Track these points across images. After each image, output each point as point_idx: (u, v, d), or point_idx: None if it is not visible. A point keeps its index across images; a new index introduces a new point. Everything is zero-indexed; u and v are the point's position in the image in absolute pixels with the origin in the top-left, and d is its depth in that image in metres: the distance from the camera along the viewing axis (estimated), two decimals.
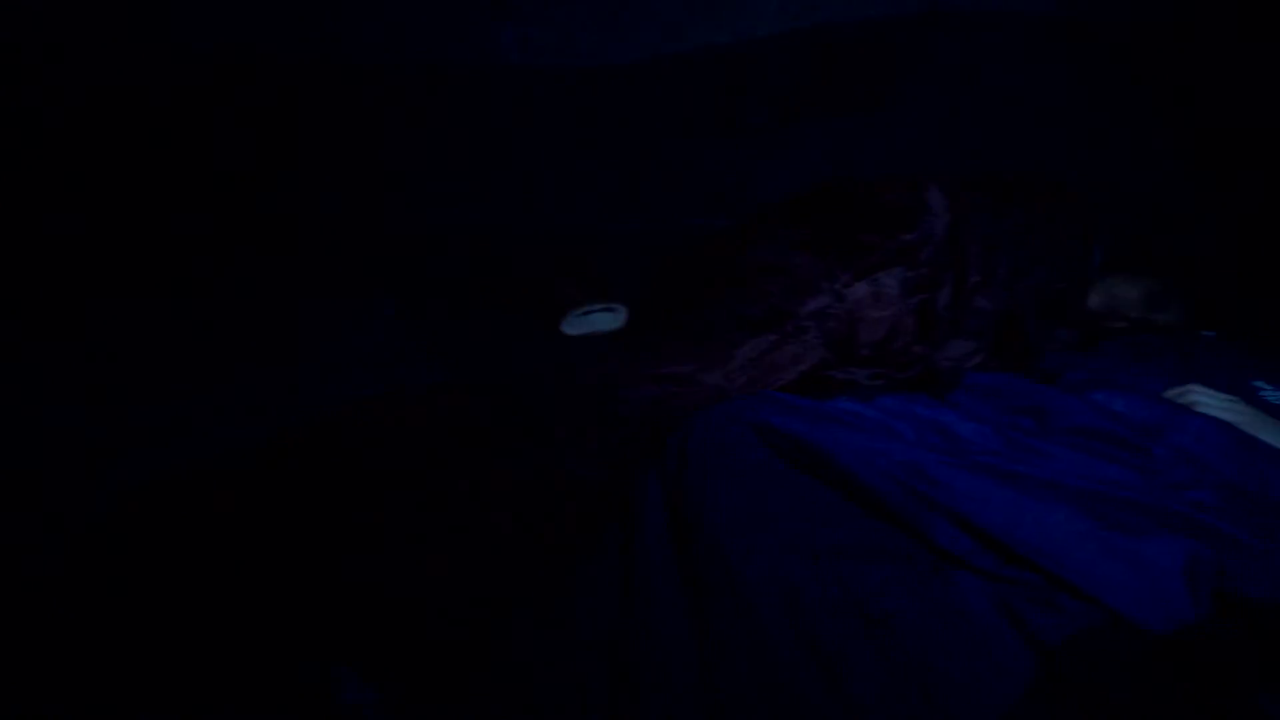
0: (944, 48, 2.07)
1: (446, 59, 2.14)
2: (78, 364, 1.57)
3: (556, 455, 1.27)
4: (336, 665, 0.98)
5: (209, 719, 0.95)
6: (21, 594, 1.05)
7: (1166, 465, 1.02)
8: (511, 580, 1.07)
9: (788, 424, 1.05)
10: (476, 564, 1.09)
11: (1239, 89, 1.77)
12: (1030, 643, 0.81)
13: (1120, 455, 1.04)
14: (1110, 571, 0.85)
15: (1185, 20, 1.83)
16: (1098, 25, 1.92)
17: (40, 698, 0.94)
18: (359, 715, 0.94)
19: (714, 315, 1.60)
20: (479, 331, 1.83)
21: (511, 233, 2.18)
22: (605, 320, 1.85)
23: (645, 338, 1.72)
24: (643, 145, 2.26)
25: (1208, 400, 1.13)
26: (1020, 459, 1.04)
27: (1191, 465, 1.02)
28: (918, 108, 2.05)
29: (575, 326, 1.87)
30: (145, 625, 1.01)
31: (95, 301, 1.73)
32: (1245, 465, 1.02)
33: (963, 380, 1.26)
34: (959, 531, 0.90)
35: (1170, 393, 1.16)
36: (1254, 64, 1.74)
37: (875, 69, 2.08)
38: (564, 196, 2.24)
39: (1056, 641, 0.81)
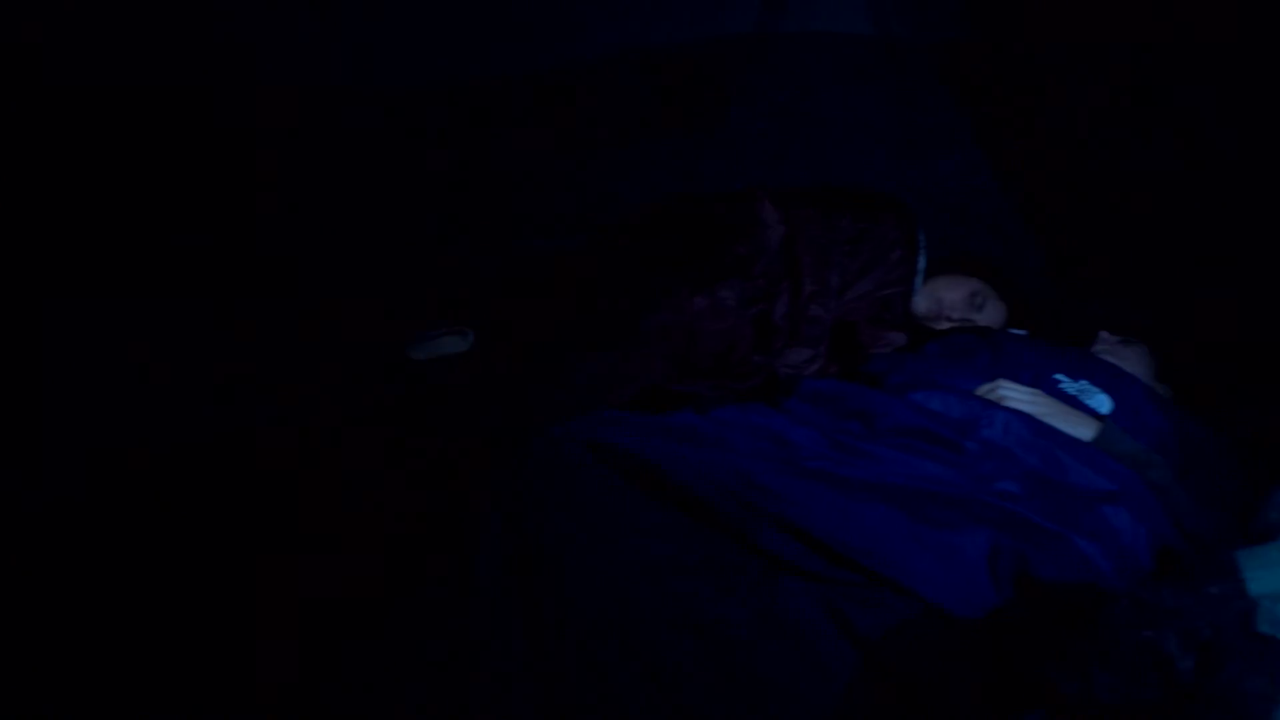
0: (775, 68, 2.14)
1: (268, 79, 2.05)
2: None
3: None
4: None
5: None
6: None
7: (977, 459, 1.08)
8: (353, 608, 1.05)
9: (623, 440, 1.06)
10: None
11: (1033, 105, 1.92)
12: (853, 640, 0.84)
13: (936, 452, 1.10)
14: (924, 565, 0.89)
15: (987, 40, 1.96)
16: (911, 46, 2.03)
17: None
18: None
19: (563, 335, 1.61)
20: (321, 357, 1.77)
21: (352, 252, 2.12)
22: (453, 344, 1.82)
23: (496, 364, 1.71)
24: (488, 166, 2.24)
25: (1013, 394, 1.22)
26: (847, 462, 1.09)
27: (998, 457, 1.09)
28: (753, 125, 2.11)
29: (422, 350, 1.84)
30: None
31: None
32: (1045, 454, 1.10)
33: (798, 388, 1.30)
34: (787, 537, 0.93)
35: (981, 389, 1.24)
36: (1045, 81, 1.88)
37: (711, 88, 2.14)
38: (402, 219, 2.18)
39: (877, 637, 0.84)
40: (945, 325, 1.70)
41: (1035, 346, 1.43)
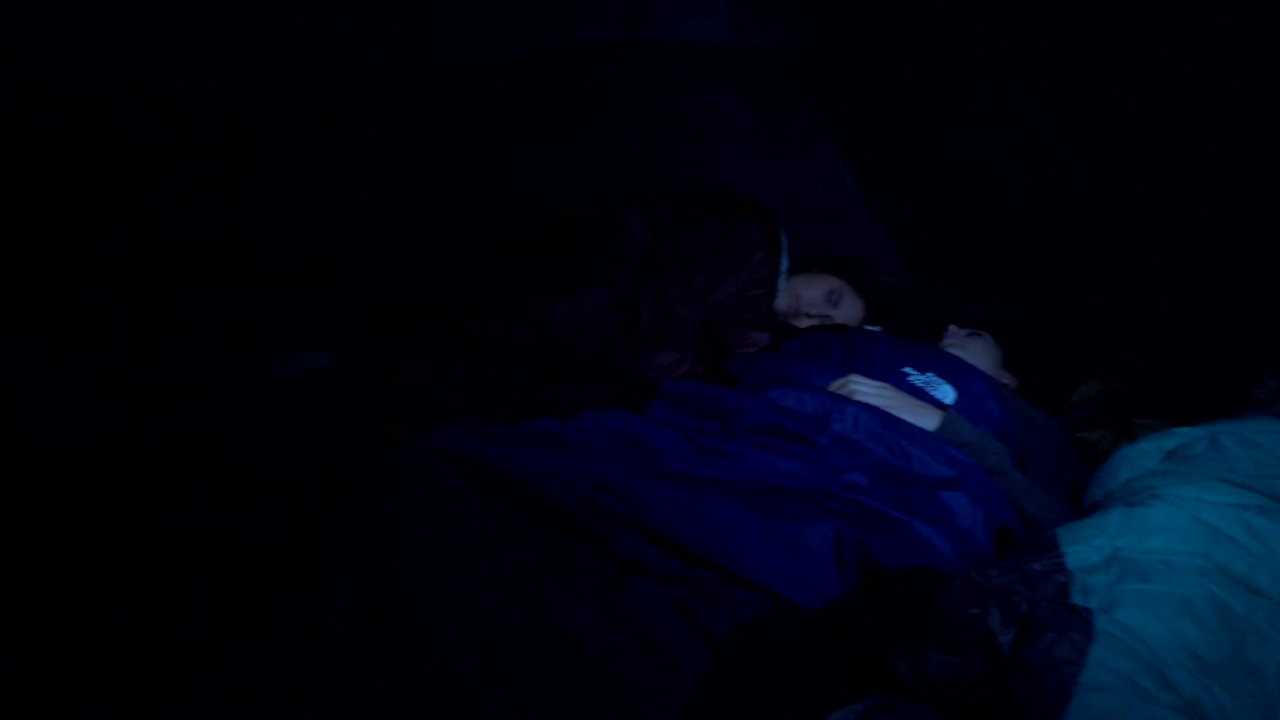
0: (640, 75, 2.16)
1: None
2: None
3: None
4: None
5: None
6: None
7: (827, 453, 1.12)
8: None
9: (478, 450, 1.04)
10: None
11: (878, 109, 2.00)
12: (704, 638, 0.86)
13: (790, 448, 1.13)
14: (773, 559, 0.92)
15: (836, 48, 2.04)
16: (769, 53, 2.09)
17: None
18: None
19: (428, 346, 1.58)
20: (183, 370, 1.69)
21: (211, 266, 2.02)
22: (317, 359, 1.76)
23: (360, 378, 1.66)
24: (352, 176, 2.17)
25: (863, 389, 1.27)
26: (705, 462, 1.11)
27: (848, 450, 1.13)
28: (620, 131, 2.13)
29: (285, 367, 1.77)
30: None
31: None
32: (892, 445, 1.15)
33: (659, 390, 1.31)
34: (640, 540, 0.94)
35: (834, 385, 1.29)
36: (886, 88, 1.97)
37: (577, 95, 2.14)
38: (265, 232, 2.10)
39: (727, 633, 0.86)
40: (805, 323, 1.76)
41: (886, 342, 1.49)
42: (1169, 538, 0.88)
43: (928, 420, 1.23)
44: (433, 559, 0.95)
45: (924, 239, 2.15)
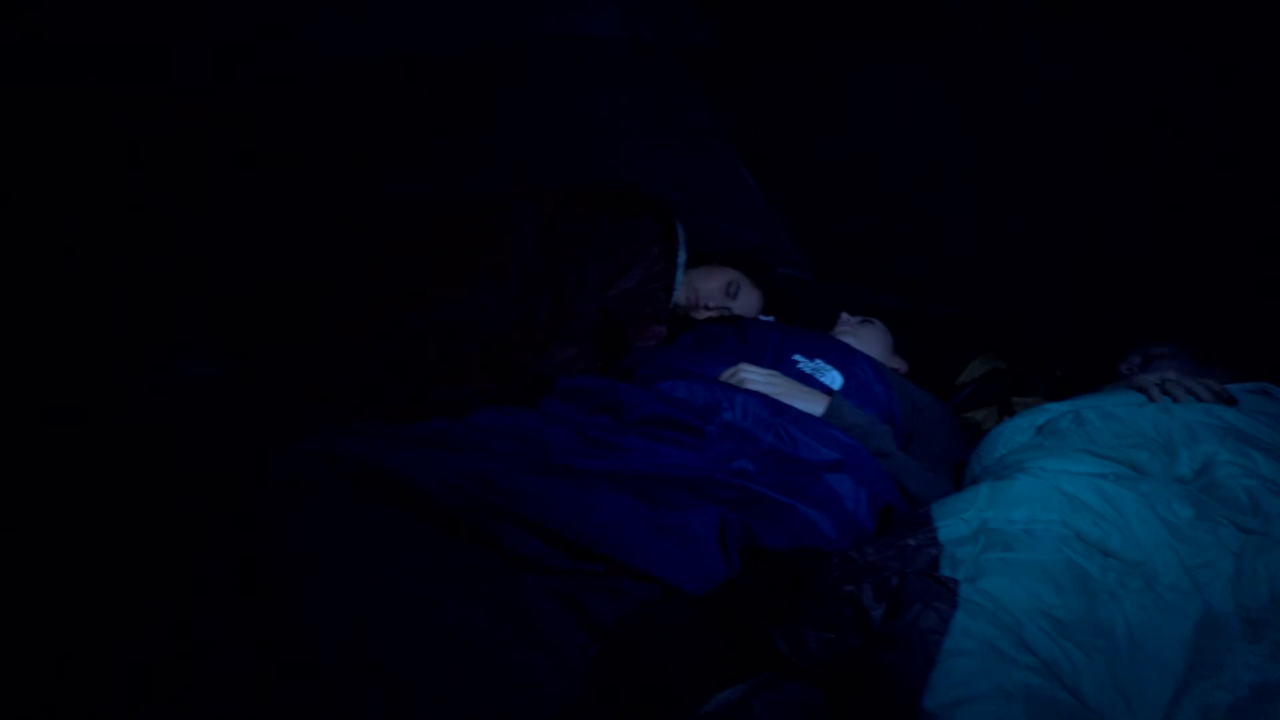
0: (537, 72, 2.15)
1: None
2: None
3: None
4: None
5: None
6: None
7: (716, 441, 1.14)
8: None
9: (363, 453, 1.03)
10: None
11: (772, 104, 2.04)
12: (591, 630, 0.86)
13: (679, 438, 1.14)
14: (660, 548, 0.93)
15: (728, 45, 2.07)
16: (664, 50, 2.11)
17: None
18: None
19: (318, 349, 1.54)
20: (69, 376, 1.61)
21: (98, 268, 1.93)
22: (203, 366, 1.70)
23: (248, 384, 1.61)
24: (242, 178, 2.10)
25: (752, 377, 1.29)
26: (596, 455, 1.11)
27: (736, 438, 1.15)
28: (518, 127, 2.11)
29: (168, 373, 1.70)
30: None
31: None
32: (779, 431, 1.18)
33: (554, 386, 1.31)
34: (528, 535, 0.94)
35: (724, 374, 1.31)
36: (779, 84, 2.01)
37: (472, 93, 2.12)
38: (153, 235, 2.02)
39: (614, 623, 0.86)
40: (704, 315, 1.78)
41: (778, 331, 1.52)
42: (1032, 508, 0.92)
43: (814, 406, 1.26)
44: (314, 562, 0.93)
45: (820, 231, 2.20)
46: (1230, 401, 1.16)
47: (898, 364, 1.75)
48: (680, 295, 1.79)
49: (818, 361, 1.41)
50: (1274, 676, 0.74)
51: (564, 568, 0.92)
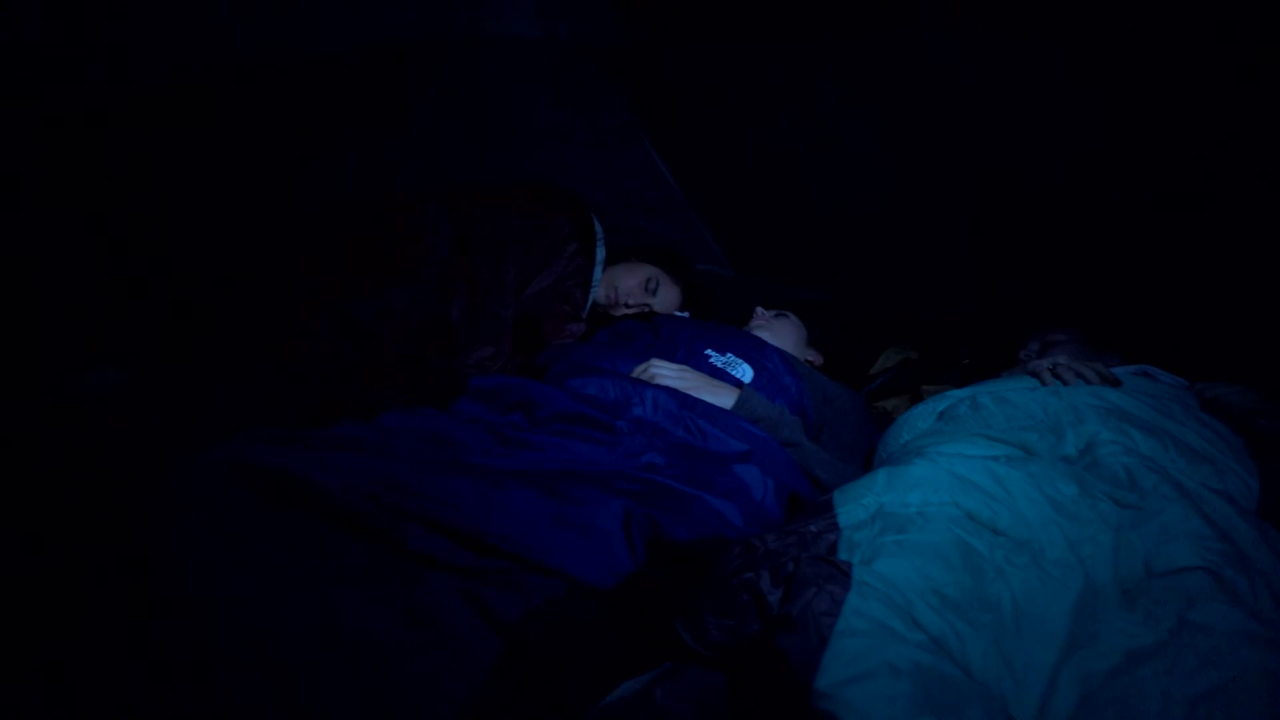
0: (453, 71, 2.14)
1: None
2: None
3: None
4: None
5: None
6: None
7: (626, 436, 1.15)
8: None
9: (271, 458, 1.00)
10: None
11: (689, 103, 2.07)
12: (496, 627, 0.86)
13: (590, 434, 1.15)
14: (567, 543, 0.93)
15: (644, 43, 2.09)
16: (580, 49, 2.11)
17: None
18: None
19: (228, 353, 1.50)
20: None
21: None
22: (108, 373, 1.64)
23: (157, 390, 1.57)
24: (152, 180, 2.04)
25: (663, 372, 1.31)
26: (508, 454, 1.11)
27: (647, 433, 1.17)
28: (434, 126, 2.10)
29: (75, 380, 1.64)
30: None
31: None
32: (689, 424, 1.19)
33: (468, 386, 1.31)
34: (435, 536, 0.93)
35: (636, 370, 1.32)
36: (696, 83, 2.04)
37: (387, 93, 2.09)
38: (54, 236, 1.94)
39: (519, 620, 0.86)
40: (623, 312, 1.79)
41: (691, 326, 1.54)
42: (925, 491, 0.95)
43: (724, 399, 1.28)
44: (211, 570, 0.91)
45: (738, 226, 2.23)
46: (1115, 383, 1.21)
47: (812, 356, 1.78)
48: (600, 293, 1.80)
49: (729, 356, 1.43)
50: (1145, 642, 0.78)
51: (469, 566, 0.92)
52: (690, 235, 2.24)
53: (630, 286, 1.81)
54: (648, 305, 1.83)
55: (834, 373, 1.72)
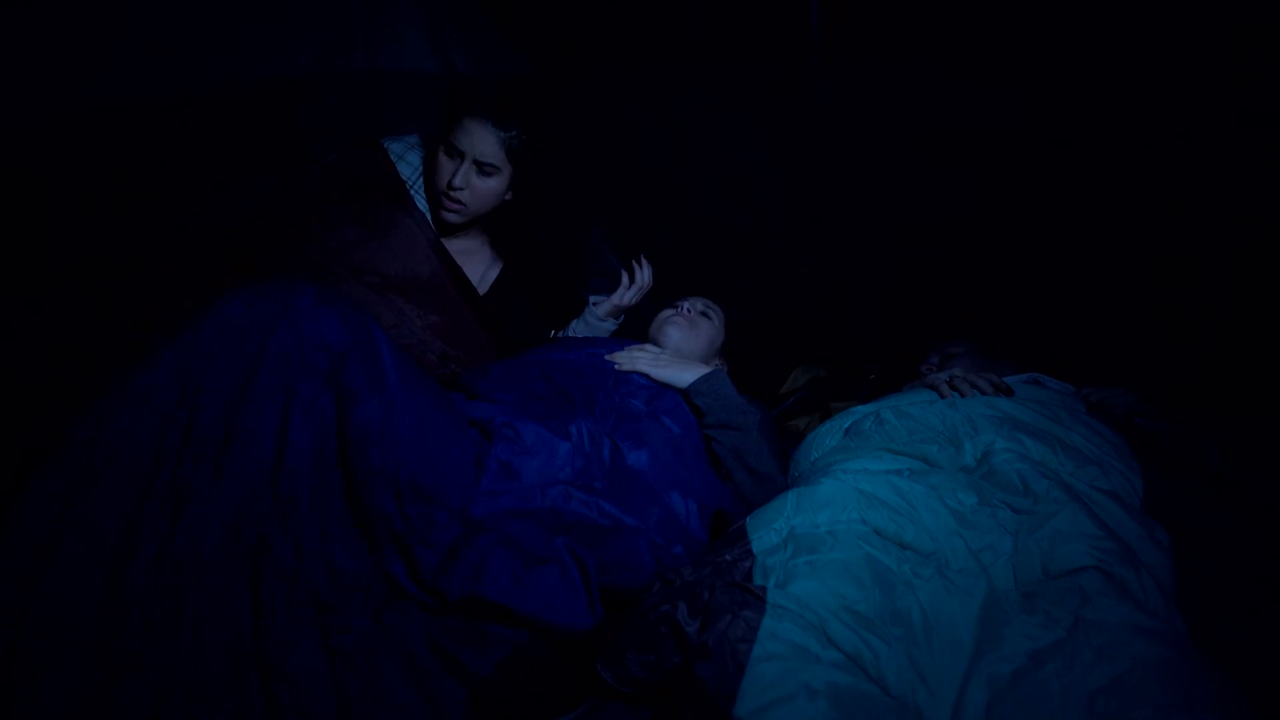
0: (348, 105, 2.10)
1: None
2: None
3: None
4: None
5: None
6: None
7: None
8: None
9: None
10: None
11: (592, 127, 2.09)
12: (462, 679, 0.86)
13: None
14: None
15: (543, 73, 2.11)
16: (477, 81, 2.11)
17: None
18: None
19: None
20: None
21: None
22: None
23: None
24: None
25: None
26: None
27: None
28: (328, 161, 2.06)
29: None
30: None
31: None
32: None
33: None
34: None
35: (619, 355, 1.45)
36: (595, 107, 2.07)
37: (283, 126, 2.04)
38: None
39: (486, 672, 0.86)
40: None
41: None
42: (834, 510, 0.97)
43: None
44: None
45: (641, 246, 2.25)
46: (1008, 392, 1.27)
47: (719, 363, 1.78)
48: None
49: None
50: (1046, 642, 0.82)
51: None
52: (594, 255, 2.24)
53: None
54: None
55: (744, 390, 1.73)
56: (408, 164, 1.78)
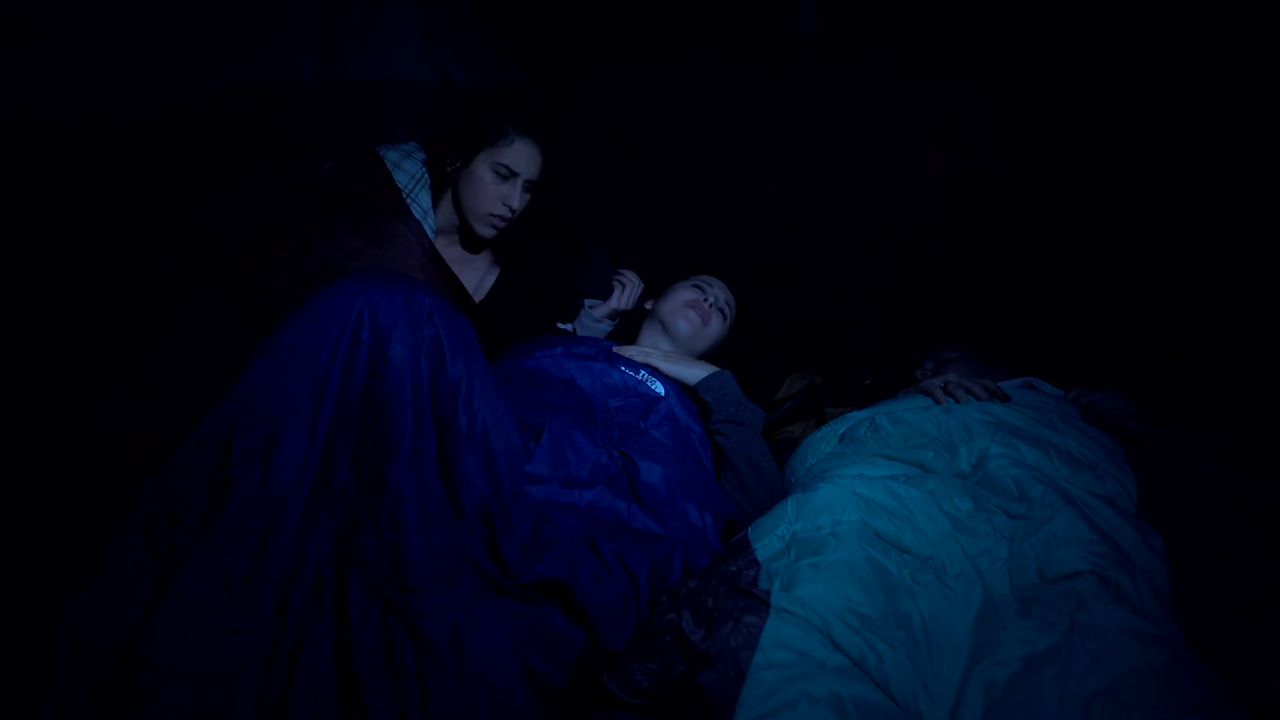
0: (342, 114, 2.11)
1: None
2: None
3: None
4: None
5: None
6: None
7: None
8: None
9: None
10: None
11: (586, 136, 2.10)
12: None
13: None
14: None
15: (538, 82, 2.12)
16: (471, 90, 2.12)
17: None
18: None
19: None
20: None
21: None
22: None
23: None
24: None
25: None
26: None
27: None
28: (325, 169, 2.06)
29: None
30: None
31: None
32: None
33: None
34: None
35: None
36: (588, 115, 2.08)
37: (275, 137, 2.04)
38: None
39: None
40: None
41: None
42: (834, 512, 0.98)
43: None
44: None
45: (639, 251, 2.26)
46: (1003, 398, 1.28)
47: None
48: None
49: (642, 373, 1.46)
50: (1041, 647, 0.83)
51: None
52: (591, 262, 2.25)
53: None
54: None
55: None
56: (404, 172, 1.78)
